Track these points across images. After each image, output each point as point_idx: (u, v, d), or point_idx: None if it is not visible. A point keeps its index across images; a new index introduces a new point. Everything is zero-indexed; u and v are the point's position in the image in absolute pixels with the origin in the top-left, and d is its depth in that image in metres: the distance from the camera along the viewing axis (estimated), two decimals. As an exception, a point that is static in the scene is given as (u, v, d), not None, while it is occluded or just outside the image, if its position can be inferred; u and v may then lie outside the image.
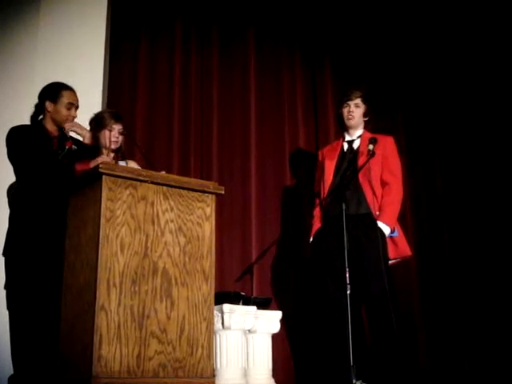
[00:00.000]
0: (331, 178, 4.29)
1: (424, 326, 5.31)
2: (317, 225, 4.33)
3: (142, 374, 2.91)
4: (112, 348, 2.84)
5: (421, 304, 5.38)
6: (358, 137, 4.35)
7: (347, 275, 3.59)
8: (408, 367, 3.98)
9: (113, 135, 3.82)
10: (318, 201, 4.43)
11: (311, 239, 4.31)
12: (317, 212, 4.39)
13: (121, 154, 3.93)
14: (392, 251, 4.11)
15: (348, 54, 5.87)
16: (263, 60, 5.50)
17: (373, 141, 4.02)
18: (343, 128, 4.43)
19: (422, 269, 5.42)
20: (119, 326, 2.88)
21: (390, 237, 4.10)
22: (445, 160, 5.75)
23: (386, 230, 4.05)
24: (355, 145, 4.34)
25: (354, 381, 3.33)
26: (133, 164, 3.91)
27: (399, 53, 6.03)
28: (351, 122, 4.35)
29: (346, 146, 4.38)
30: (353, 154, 4.30)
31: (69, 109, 3.76)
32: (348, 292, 3.55)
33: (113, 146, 3.83)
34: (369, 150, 4.00)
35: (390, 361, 3.87)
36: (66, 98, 3.76)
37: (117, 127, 3.85)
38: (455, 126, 5.75)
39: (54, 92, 3.77)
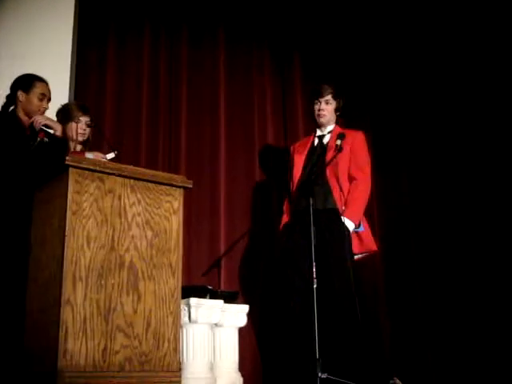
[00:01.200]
0: (300, 172, 4.32)
1: (389, 319, 5.37)
2: (285, 219, 4.36)
3: (108, 368, 2.90)
4: (78, 342, 2.82)
5: (386, 297, 5.44)
6: (329, 132, 4.37)
7: (314, 269, 3.61)
8: (373, 360, 4.03)
9: (80, 127, 3.80)
10: (287, 195, 4.45)
11: (280, 231, 4.35)
12: (285, 207, 4.41)
13: (88, 146, 3.91)
14: (357, 246, 4.14)
15: (317, 52, 5.89)
16: (233, 57, 5.50)
17: (340, 136, 4.04)
18: (314, 123, 4.44)
19: (388, 263, 5.48)
20: (85, 319, 2.86)
21: (356, 232, 4.13)
22: (411, 156, 5.81)
23: (351, 225, 4.08)
24: (325, 140, 4.36)
25: (319, 374, 3.36)
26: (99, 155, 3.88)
27: (369, 50, 6.06)
28: (322, 120, 4.36)
29: (316, 140, 4.40)
30: (322, 148, 4.33)
31: (41, 99, 3.75)
32: (314, 286, 3.58)
33: (80, 138, 3.83)
34: (336, 145, 4.02)
35: (355, 354, 3.91)
36: (38, 89, 3.75)
37: (84, 119, 3.85)
38: (423, 124, 5.81)
39: (26, 82, 3.76)
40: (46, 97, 3.79)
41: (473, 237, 5.24)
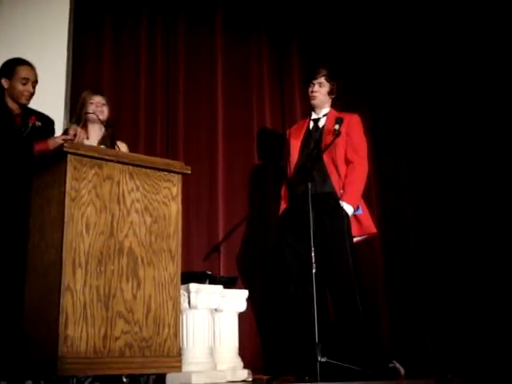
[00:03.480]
0: (297, 157, 4.31)
1: (387, 303, 5.39)
2: (283, 205, 4.36)
3: (109, 354, 2.91)
4: (78, 328, 2.83)
5: (385, 281, 5.45)
6: (324, 115, 4.36)
7: (312, 254, 3.61)
8: (371, 344, 4.04)
9: (96, 104, 3.94)
10: (284, 180, 4.45)
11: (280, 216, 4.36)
12: (283, 192, 4.41)
13: (111, 128, 4.01)
14: (356, 229, 4.15)
15: (315, 37, 5.85)
16: (230, 43, 5.46)
17: (339, 120, 4.03)
18: (310, 106, 4.44)
19: (387, 246, 5.49)
20: (85, 306, 2.87)
21: (354, 215, 4.13)
22: (410, 139, 5.79)
23: (349, 209, 4.08)
24: (321, 123, 4.35)
25: (319, 358, 3.37)
26: (123, 147, 3.94)
27: (368, 34, 6.02)
28: (314, 102, 4.36)
29: (312, 124, 4.40)
30: (318, 132, 4.32)
31: (24, 84, 3.71)
32: (314, 271, 3.58)
33: (100, 117, 3.89)
34: (334, 130, 4.01)
35: (353, 338, 3.93)
36: (20, 74, 3.71)
37: (96, 98, 3.96)
38: (422, 106, 5.79)
39: (8, 68, 3.73)
40: (29, 80, 3.72)
41: (472, 219, 5.25)
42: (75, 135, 3.58)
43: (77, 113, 4.03)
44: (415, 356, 4.95)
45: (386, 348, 4.91)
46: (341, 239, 4.02)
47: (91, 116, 3.92)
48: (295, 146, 4.35)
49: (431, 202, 5.53)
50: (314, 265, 3.59)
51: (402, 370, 4.04)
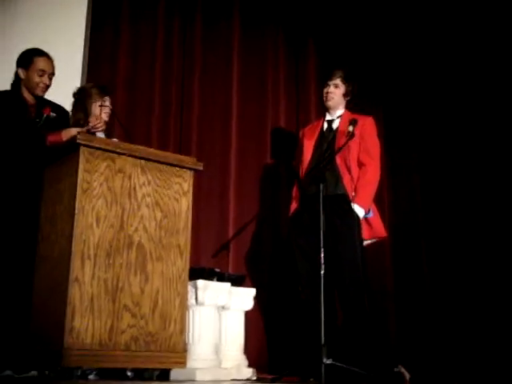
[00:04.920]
0: (309, 157, 4.30)
1: (396, 307, 5.37)
2: (294, 205, 4.35)
3: (114, 347, 2.92)
4: (84, 320, 2.85)
5: (394, 285, 5.43)
6: (338, 117, 4.35)
7: (322, 255, 3.60)
8: (377, 348, 4.03)
9: (107, 107, 3.82)
10: (296, 180, 4.44)
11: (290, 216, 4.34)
12: (294, 192, 4.40)
13: (107, 127, 3.93)
14: (367, 232, 4.14)
15: (332, 38, 5.85)
16: (247, 41, 5.45)
17: (353, 122, 4.01)
18: (325, 107, 4.43)
19: (397, 250, 5.47)
20: (92, 298, 2.88)
21: (365, 218, 4.12)
22: (423, 143, 5.77)
23: (361, 212, 4.07)
24: (335, 125, 4.34)
25: (324, 360, 3.36)
26: None
27: (384, 36, 6.01)
28: (329, 103, 4.35)
29: (326, 125, 4.39)
30: (332, 133, 4.31)
31: (41, 76, 3.69)
32: (322, 272, 3.57)
33: (106, 119, 3.82)
34: (348, 132, 3.99)
35: (360, 341, 3.92)
36: (37, 65, 3.69)
37: (108, 100, 3.86)
38: (436, 110, 5.76)
39: (26, 59, 3.71)
40: (45, 73, 3.71)
41: (483, 225, 5.21)
42: (93, 127, 3.60)
43: (83, 106, 3.84)
44: (422, 361, 4.93)
45: (392, 352, 4.90)
46: (351, 241, 4.01)
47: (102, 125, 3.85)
48: (308, 146, 4.34)
49: (443, 207, 5.51)
50: (323, 266, 3.58)
51: (408, 375, 4.03)
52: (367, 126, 4.26)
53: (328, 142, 4.28)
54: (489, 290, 5.03)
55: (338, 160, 4.13)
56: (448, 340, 5.11)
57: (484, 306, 5.02)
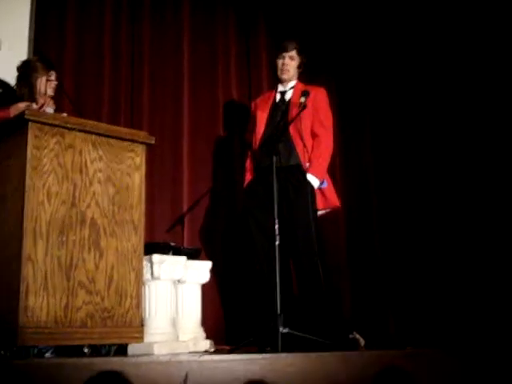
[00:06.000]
0: (263, 129, 4.30)
1: (349, 275, 5.45)
2: (248, 177, 4.36)
3: (70, 324, 2.91)
4: (39, 298, 2.82)
5: (347, 254, 5.51)
6: (291, 88, 4.35)
7: (276, 226, 3.63)
8: (332, 316, 4.10)
9: (53, 82, 3.77)
10: (249, 152, 4.45)
11: (244, 187, 4.36)
12: (248, 164, 4.41)
13: (54, 101, 3.86)
14: (321, 202, 4.17)
15: (282, 9, 5.80)
16: (197, 15, 5.38)
17: (305, 93, 4.02)
18: (277, 78, 4.42)
19: (350, 220, 5.54)
20: (46, 276, 2.86)
21: (319, 188, 4.15)
22: (374, 113, 5.80)
23: (315, 182, 4.10)
24: (287, 96, 4.34)
25: (280, 329, 3.41)
26: None
27: (333, 8, 5.99)
28: (284, 76, 4.34)
29: (278, 96, 4.38)
30: (285, 105, 4.31)
31: None
32: (277, 243, 3.60)
33: (51, 93, 3.76)
34: (300, 103, 4.00)
35: (315, 309, 3.98)
36: None
37: (53, 75, 3.80)
38: (387, 81, 5.78)
39: None
40: None
41: (434, 193, 5.28)
42: (43, 105, 3.54)
43: (28, 80, 3.76)
44: (375, 327, 5.04)
45: (346, 319, 4.99)
46: (305, 212, 4.04)
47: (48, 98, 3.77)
48: (261, 117, 4.33)
49: (394, 177, 5.57)
50: (278, 237, 3.61)
51: (362, 341, 4.11)
52: (320, 97, 4.27)
53: (281, 113, 4.28)
54: (438, 255, 5.12)
55: (292, 131, 4.14)
56: (400, 305, 5.22)
57: (434, 270, 5.13)
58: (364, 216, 5.60)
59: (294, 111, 4.12)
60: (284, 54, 4.33)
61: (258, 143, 4.28)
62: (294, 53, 4.34)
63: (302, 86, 4.27)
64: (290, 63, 4.33)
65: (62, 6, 4.82)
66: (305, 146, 4.15)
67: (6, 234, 2.97)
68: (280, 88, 4.39)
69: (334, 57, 5.95)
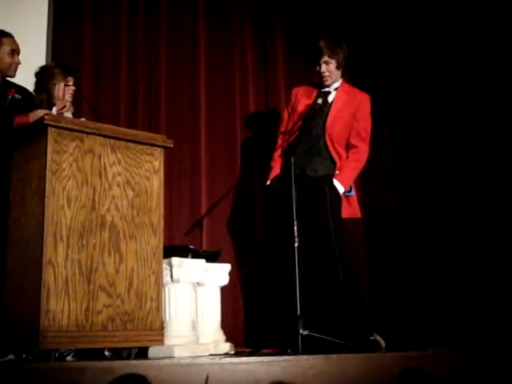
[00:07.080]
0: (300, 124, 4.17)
1: (369, 277, 5.41)
2: (276, 170, 4.24)
3: (91, 328, 2.92)
4: (60, 302, 2.84)
5: (367, 255, 5.46)
6: (335, 89, 4.25)
7: (295, 228, 3.61)
8: (352, 317, 4.08)
9: (71, 88, 3.79)
10: (280, 142, 4.30)
11: (268, 182, 4.24)
12: (277, 155, 4.29)
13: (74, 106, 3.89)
14: (346, 210, 4.11)
15: (298, 14, 5.77)
16: (213, 16, 5.39)
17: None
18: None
19: (369, 221, 5.48)
20: (67, 280, 2.87)
21: (346, 196, 4.11)
22: (394, 126, 5.70)
23: (341, 188, 4.06)
24: (330, 97, 4.23)
25: (300, 331, 3.40)
26: None
27: (347, 7, 5.94)
28: (327, 83, 4.22)
29: (320, 97, 4.17)
30: (327, 107, 4.17)
31: (12, 55, 3.66)
32: (296, 245, 3.58)
33: (70, 99, 3.77)
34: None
35: (335, 311, 3.96)
36: (7, 45, 3.66)
37: (71, 80, 3.82)
38: (405, 79, 5.70)
39: None
40: (16, 52, 3.69)
41: (454, 201, 5.25)
42: (62, 108, 3.56)
43: (46, 86, 3.80)
44: (396, 329, 5.00)
45: (367, 321, 4.96)
46: (328, 215, 3.98)
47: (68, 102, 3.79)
48: (302, 110, 4.17)
49: (413, 177, 5.52)
50: (297, 238, 3.59)
51: (383, 343, 4.08)
52: (363, 105, 4.20)
53: (320, 115, 4.14)
54: (459, 258, 5.09)
55: (327, 138, 4.11)
56: (421, 306, 5.18)
57: (455, 272, 5.10)
58: (383, 217, 5.56)
59: (333, 115, 4.10)
60: (319, 61, 4.20)
61: (294, 133, 4.13)
62: (326, 57, 4.18)
63: (345, 88, 4.22)
64: (326, 69, 4.19)
65: (79, 10, 4.86)
66: (338, 153, 4.12)
67: (26, 238, 2.99)
68: (324, 88, 4.26)
69: (351, 57, 5.90)
